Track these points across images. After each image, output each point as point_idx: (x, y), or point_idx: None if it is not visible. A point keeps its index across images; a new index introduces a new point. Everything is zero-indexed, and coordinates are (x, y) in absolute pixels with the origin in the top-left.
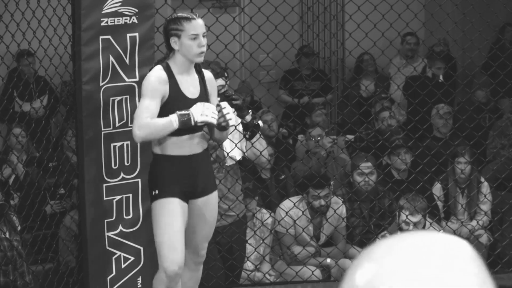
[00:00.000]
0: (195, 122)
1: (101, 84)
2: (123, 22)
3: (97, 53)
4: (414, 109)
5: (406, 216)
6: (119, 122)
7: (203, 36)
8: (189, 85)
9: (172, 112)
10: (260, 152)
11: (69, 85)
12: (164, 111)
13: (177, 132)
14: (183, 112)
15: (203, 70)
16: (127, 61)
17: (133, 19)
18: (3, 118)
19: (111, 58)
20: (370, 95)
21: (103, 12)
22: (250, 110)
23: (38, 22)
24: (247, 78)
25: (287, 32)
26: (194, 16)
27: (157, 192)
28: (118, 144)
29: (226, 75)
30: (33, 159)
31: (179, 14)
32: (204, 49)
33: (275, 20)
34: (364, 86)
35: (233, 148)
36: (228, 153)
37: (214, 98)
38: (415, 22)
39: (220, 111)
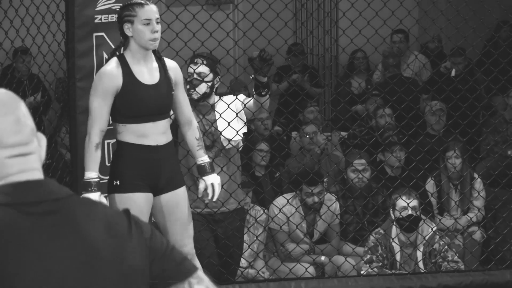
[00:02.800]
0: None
1: None
2: (116, 19)
3: (91, 50)
4: (407, 106)
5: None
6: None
7: (157, 22)
8: (145, 73)
9: (129, 99)
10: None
11: (63, 82)
12: (121, 100)
13: (138, 119)
14: (88, 186)
15: (165, 59)
16: None
17: None
18: None
19: (105, 55)
20: (361, 92)
21: (96, 9)
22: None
23: (32, 19)
24: (241, 75)
25: (280, 29)
26: (147, 2)
27: (118, 183)
28: (112, 141)
29: (202, 61)
30: None
31: (132, 1)
32: (157, 35)
33: (268, 17)
34: (357, 83)
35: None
36: (222, 132)
37: (180, 87)
38: (409, 19)
39: (205, 188)
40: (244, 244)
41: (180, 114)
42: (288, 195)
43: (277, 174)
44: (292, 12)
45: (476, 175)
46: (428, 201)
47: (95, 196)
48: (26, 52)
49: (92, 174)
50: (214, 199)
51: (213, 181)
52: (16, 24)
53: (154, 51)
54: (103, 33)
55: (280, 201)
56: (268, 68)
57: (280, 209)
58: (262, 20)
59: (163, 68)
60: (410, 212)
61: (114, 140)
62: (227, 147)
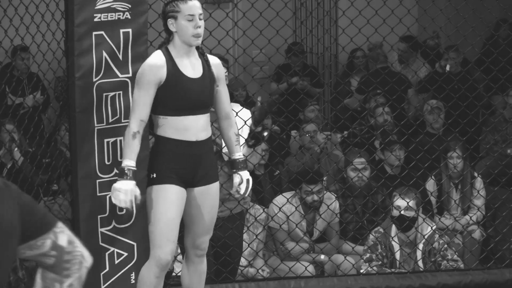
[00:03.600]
0: (113, 189)
1: (94, 79)
2: (116, 18)
3: (90, 49)
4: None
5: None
6: (112, 118)
7: (200, 18)
8: (189, 67)
9: (173, 91)
10: (245, 157)
11: (62, 80)
12: (164, 92)
13: (180, 112)
14: (124, 174)
15: (208, 55)
16: (120, 56)
17: (126, 15)
18: None
19: (104, 54)
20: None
21: (96, 7)
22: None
23: (31, 18)
24: (240, 74)
25: (280, 27)
26: None
27: (154, 175)
28: (111, 139)
29: (226, 65)
30: (26, 154)
31: None
32: (201, 30)
33: (268, 16)
34: (356, 81)
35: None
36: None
37: (222, 83)
38: (408, 18)
39: (241, 182)
40: (244, 243)
41: (220, 108)
42: (288, 194)
43: (277, 173)
44: (291, 11)
45: (476, 174)
46: (428, 200)
47: (130, 184)
48: (26, 50)
49: (129, 162)
50: (246, 195)
51: (248, 177)
52: (15, 22)
53: (197, 47)
54: (102, 32)
55: (279, 200)
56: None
57: (279, 208)
58: (262, 19)
59: (206, 63)
60: (403, 212)
61: (115, 139)
62: (225, 159)
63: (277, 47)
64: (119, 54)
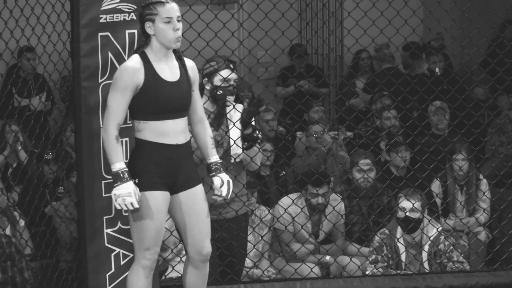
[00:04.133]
0: (114, 195)
1: (100, 80)
2: (121, 19)
3: (96, 50)
4: (412, 106)
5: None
6: None
7: (178, 21)
8: (167, 70)
9: (151, 96)
10: (251, 158)
11: (68, 81)
12: (142, 96)
13: (159, 116)
14: (120, 176)
15: (184, 58)
16: (126, 57)
17: (132, 16)
18: (1, 115)
19: (110, 55)
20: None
21: (102, 8)
22: (253, 121)
23: (37, 19)
24: (246, 75)
25: (285, 29)
26: (169, 0)
27: (136, 181)
28: (125, 139)
29: (232, 66)
30: (32, 154)
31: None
32: (179, 33)
33: (273, 17)
34: (361, 83)
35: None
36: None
37: (196, 87)
38: (414, 19)
39: (222, 185)
40: (249, 244)
41: (193, 112)
42: (293, 195)
43: (282, 174)
44: (297, 12)
45: (481, 176)
46: (433, 201)
47: (130, 185)
48: (31, 50)
49: (120, 164)
50: (228, 197)
51: (228, 179)
52: (21, 23)
53: (174, 50)
54: (108, 33)
55: (285, 201)
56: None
57: (285, 209)
58: (267, 20)
59: (183, 67)
60: (408, 214)
61: (127, 139)
62: (231, 160)
63: (283, 48)
64: (125, 55)
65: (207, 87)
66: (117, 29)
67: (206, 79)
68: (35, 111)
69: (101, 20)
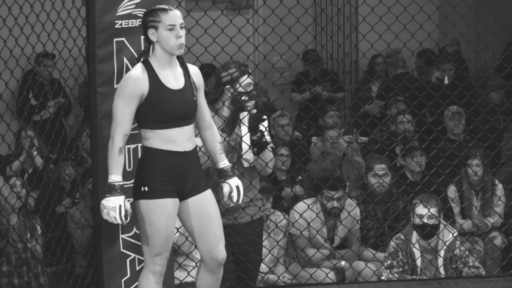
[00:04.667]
0: (102, 204)
1: (115, 86)
2: (137, 24)
3: (111, 55)
4: (427, 111)
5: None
6: (133, 124)
7: (181, 28)
8: (171, 78)
9: (156, 104)
10: (266, 164)
11: (86, 85)
12: (148, 105)
13: (166, 125)
14: (111, 189)
15: (188, 64)
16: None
17: None
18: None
19: (125, 60)
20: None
21: (117, 14)
22: (261, 125)
23: (52, 25)
24: (261, 80)
25: (300, 34)
26: (171, 8)
27: (146, 189)
28: (132, 146)
29: (249, 71)
30: (48, 160)
31: (156, 6)
32: (183, 40)
33: (288, 22)
34: (376, 87)
35: (247, 150)
36: (242, 155)
37: (201, 93)
38: (429, 24)
39: (231, 191)
40: (265, 249)
41: (201, 119)
42: (309, 200)
43: (298, 179)
44: (312, 17)
45: (497, 181)
46: (449, 206)
47: (119, 199)
48: (48, 57)
49: (116, 177)
50: (239, 202)
51: (237, 184)
52: (37, 29)
53: (177, 57)
54: (123, 38)
55: (300, 206)
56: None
57: (300, 215)
58: (282, 25)
59: (186, 73)
60: (426, 221)
61: (135, 146)
62: (245, 165)
63: (298, 53)
64: None
65: (228, 94)
66: (132, 34)
67: (228, 86)
68: (51, 116)
69: (117, 26)
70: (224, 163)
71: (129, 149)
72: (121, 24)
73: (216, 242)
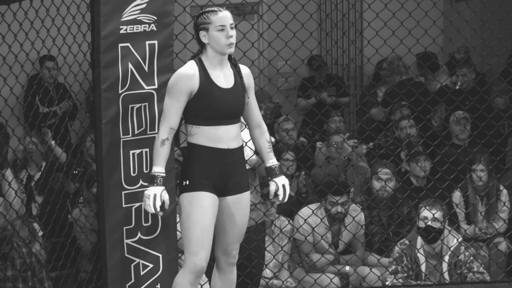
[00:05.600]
0: (144, 196)
1: (120, 91)
2: (142, 30)
3: (116, 61)
4: (433, 116)
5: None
6: (138, 130)
7: (231, 28)
8: (221, 77)
9: (205, 101)
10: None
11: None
12: (196, 102)
13: (212, 122)
14: (153, 180)
15: (240, 65)
16: (146, 68)
17: (152, 27)
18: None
19: (130, 66)
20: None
21: (122, 19)
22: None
23: (57, 30)
24: (266, 86)
25: (305, 39)
26: (221, 9)
27: (187, 183)
28: (137, 151)
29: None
30: (53, 165)
31: (207, 9)
32: (233, 40)
33: (293, 28)
34: (382, 93)
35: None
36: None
37: (252, 92)
38: (434, 29)
39: (277, 189)
40: (269, 254)
41: (250, 118)
42: (313, 206)
43: (300, 177)
44: (317, 23)
45: (501, 187)
46: (454, 212)
47: (158, 190)
48: (52, 59)
49: (157, 168)
50: (285, 200)
51: (284, 183)
52: (42, 35)
53: (229, 58)
54: (128, 44)
55: (305, 211)
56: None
57: (305, 220)
58: (287, 31)
59: (238, 74)
60: (430, 223)
61: (141, 150)
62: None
63: (303, 58)
64: (145, 66)
65: None
66: (138, 40)
67: None
68: (56, 121)
69: (122, 31)
70: (272, 161)
71: (133, 154)
72: (126, 30)
73: (232, 241)
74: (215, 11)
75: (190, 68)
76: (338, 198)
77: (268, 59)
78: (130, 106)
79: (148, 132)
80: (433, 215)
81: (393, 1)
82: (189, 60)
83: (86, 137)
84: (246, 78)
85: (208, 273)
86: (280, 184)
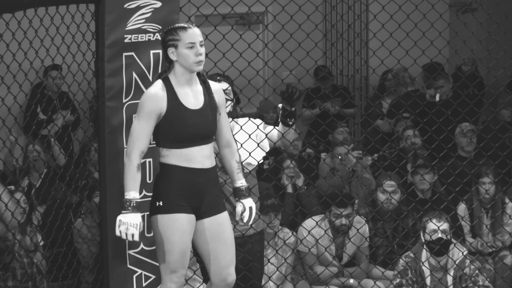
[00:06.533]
0: (119, 220)
1: (124, 101)
2: (146, 39)
3: (121, 70)
4: (438, 128)
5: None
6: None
7: (200, 45)
8: (190, 97)
9: (173, 124)
10: (291, 143)
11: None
12: (165, 124)
13: (183, 144)
14: (130, 205)
15: (210, 81)
16: (150, 78)
17: (157, 36)
18: (26, 132)
19: (134, 75)
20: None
21: (126, 28)
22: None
23: (62, 39)
24: (270, 96)
25: (310, 49)
26: (190, 26)
27: (161, 204)
28: (150, 159)
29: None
30: (55, 174)
31: (176, 25)
32: (202, 57)
33: (298, 38)
34: (387, 104)
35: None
36: (243, 161)
37: (223, 109)
38: (440, 41)
39: (243, 211)
40: (272, 266)
41: (220, 136)
42: (317, 217)
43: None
44: (322, 33)
45: (507, 200)
46: (459, 224)
47: (139, 217)
48: (57, 68)
49: (135, 194)
50: (250, 223)
51: (251, 205)
52: (46, 43)
53: (198, 75)
54: (132, 53)
55: (309, 223)
56: (297, 99)
57: (309, 232)
58: (292, 41)
59: (207, 91)
60: (440, 235)
61: (144, 160)
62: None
63: (307, 68)
64: (149, 75)
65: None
66: (142, 49)
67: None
68: (59, 130)
69: (126, 40)
70: (241, 182)
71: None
72: (130, 39)
73: (227, 265)
74: (185, 27)
75: (157, 88)
76: (343, 210)
77: (273, 69)
78: (133, 115)
79: (151, 142)
80: (438, 227)
81: (398, 12)
82: (156, 79)
83: (89, 146)
84: (217, 95)
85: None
86: (247, 206)
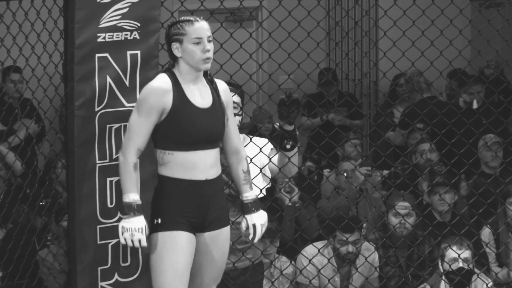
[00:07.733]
0: (122, 227)
1: (96, 109)
2: (123, 38)
3: (93, 74)
4: (458, 140)
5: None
6: (116, 154)
7: (208, 41)
8: (197, 95)
9: (180, 123)
10: (300, 168)
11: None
12: (169, 123)
13: (187, 147)
14: (131, 209)
15: (216, 80)
16: (127, 82)
17: (135, 35)
18: None
19: (109, 79)
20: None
21: (100, 26)
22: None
23: (25, 38)
24: (265, 103)
25: (311, 50)
26: (198, 19)
27: (159, 221)
28: (115, 179)
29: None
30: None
31: (181, 18)
32: (210, 54)
33: (298, 37)
34: (399, 112)
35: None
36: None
37: (230, 111)
38: (460, 40)
39: (247, 227)
40: None
41: (227, 142)
42: (319, 244)
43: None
44: (325, 31)
45: None
46: (483, 252)
47: (142, 220)
48: (18, 71)
49: (135, 196)
50: (255, 241)
51: (255, 222)
52: (7, 43)
53: (205, 73)
54: (107, 54)
55: (309, 250)
56: (296, 113)
57: (309, 260)
58: (290, 40)
59: (215, 91)
60: (461, 264)
61: (118, 178)
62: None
63: (308, 72)
64: (126, 79)
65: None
66: (117, 49)
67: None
68: (21, 143)
69: (99, 40)
70: (246, 195)
71: (111, 182)
72: (104, 38)
73: (209, 283)
74: (191, 21)
75: (163, 82)
76: (349, 236)
77: (268, 73)
78: (108, 126)
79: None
80: (459, 255)
81: (413, 7)
82: (160, 73)
83: (56, 162)
84: (224, 95)
85: None
86: (251, 224)
